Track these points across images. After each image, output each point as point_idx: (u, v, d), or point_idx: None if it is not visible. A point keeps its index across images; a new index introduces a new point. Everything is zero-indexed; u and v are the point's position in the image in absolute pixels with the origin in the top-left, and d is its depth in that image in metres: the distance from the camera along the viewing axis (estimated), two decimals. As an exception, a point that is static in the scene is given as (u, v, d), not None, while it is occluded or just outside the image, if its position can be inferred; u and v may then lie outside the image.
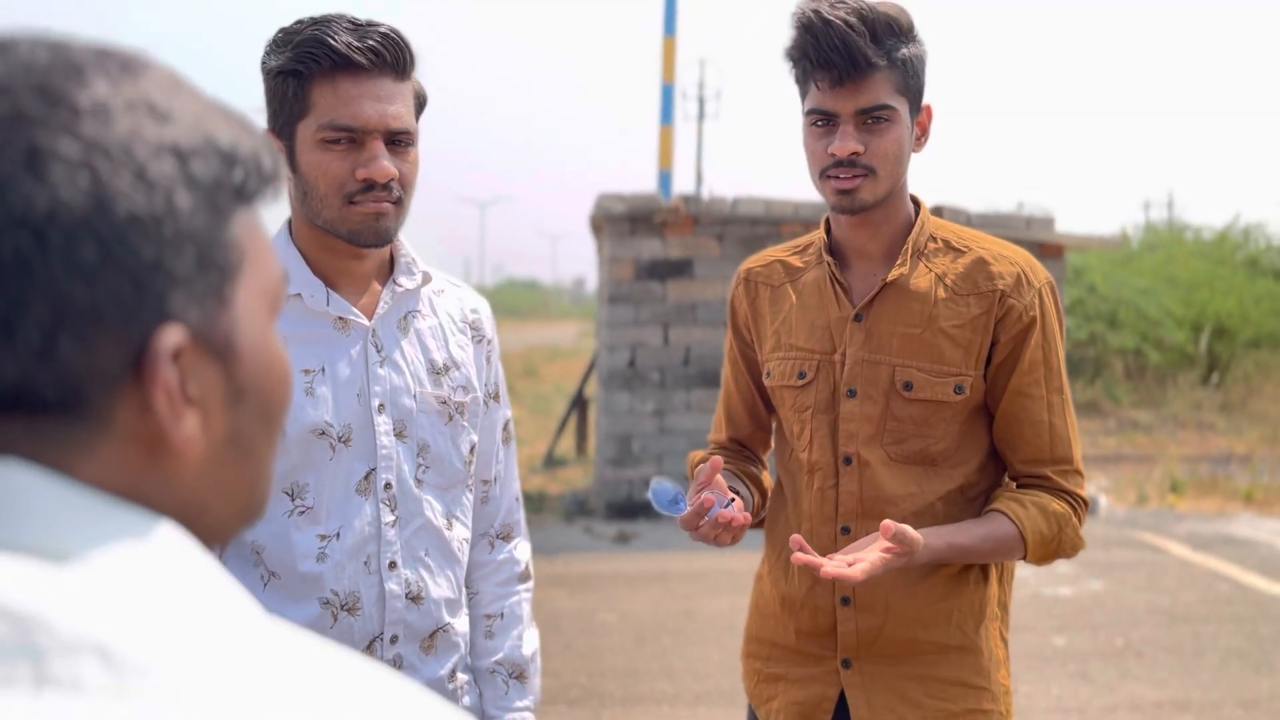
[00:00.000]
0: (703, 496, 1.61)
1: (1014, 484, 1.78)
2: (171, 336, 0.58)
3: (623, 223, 8.23)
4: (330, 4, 1.64)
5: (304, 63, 1.48)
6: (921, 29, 1.72)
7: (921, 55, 1.70)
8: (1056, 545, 1.70)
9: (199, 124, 0.61)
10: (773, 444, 2.02)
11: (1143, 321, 16.25)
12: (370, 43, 1.49)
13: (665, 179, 11.29)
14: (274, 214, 1.67)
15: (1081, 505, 1.73)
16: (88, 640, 0.51)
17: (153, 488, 0.60)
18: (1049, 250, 8.56)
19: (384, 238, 1.55)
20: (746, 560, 6.19)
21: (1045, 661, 5.20)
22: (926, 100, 1.73)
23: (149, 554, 0.57)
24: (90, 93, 0.57)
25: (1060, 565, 7.04)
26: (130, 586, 0.54)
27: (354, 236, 1.54)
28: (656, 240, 8.21)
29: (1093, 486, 9.89)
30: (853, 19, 1.63)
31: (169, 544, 0.58)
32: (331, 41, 1.48)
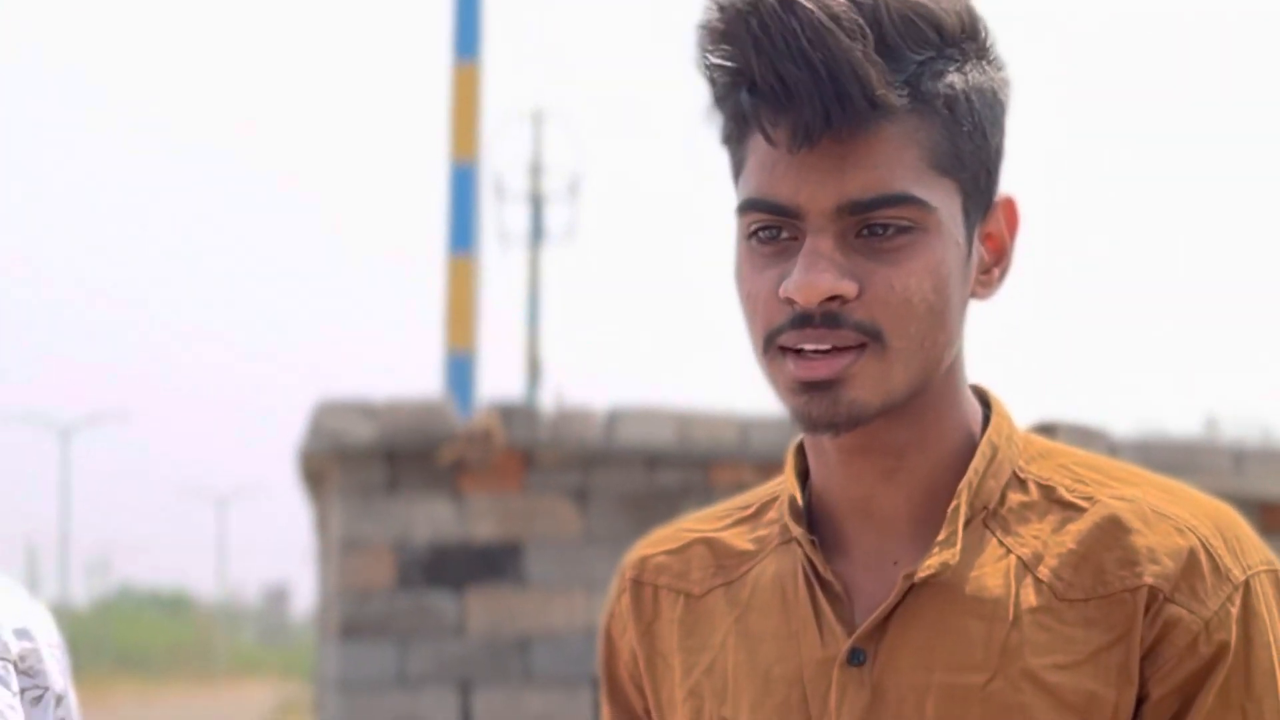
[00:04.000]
0: None
1: None
2: None
3: (372, 465, 8.31)
4: None
5: None
6: (1002, 44, 1.73)
7: (993, 90, 1.71)
8: None
9: None
10: None
11: None
12: None
13: (461, 371, 11.44)
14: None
15: None
16: None
17: None
18: (1275, 515, 8.81)
19: None
20: None
21: None
22: (1006, 190, 1.76)
23: None
24: None
25: None
26: None
27: None
28: (445, 502, 8.30)
29: None
30: (838, 4, 1.58)
31: None
32: None
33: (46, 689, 1.81)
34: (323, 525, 9.07)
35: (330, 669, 8.70)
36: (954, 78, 1.65)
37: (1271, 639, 1.69)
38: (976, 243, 1.72)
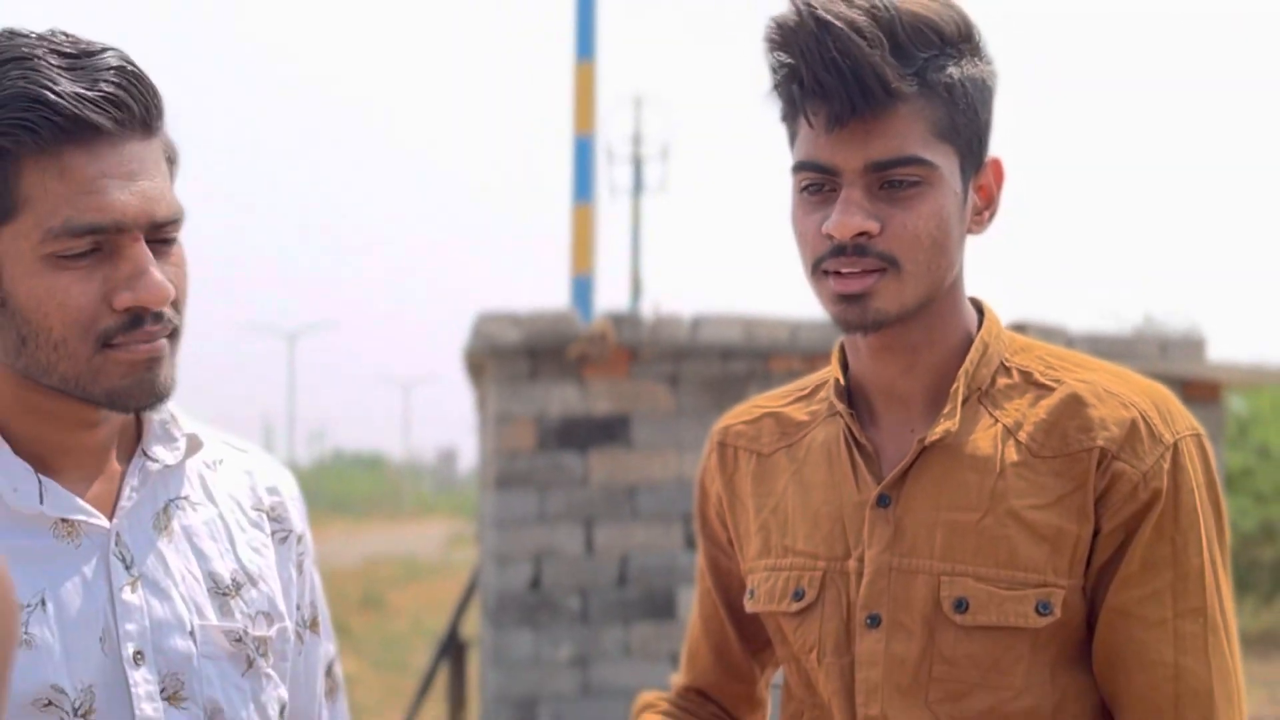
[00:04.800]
0: None
1: None
2: None
3: (517, 360, 8.31)
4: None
5: (16, 132, 1.48)
6: (990, 40, 1.74)
7: (982, 79, 1.73)
8: None
9: None
10: (770, 701, 2.06)
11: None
12: (106, 88, 1.51)
13: (584, 288, 11.40)
14: None
15: None
16: None
17: None
18: (1196, 391, 8.69)
19: (162, 394, 1.58)
20: None
21: None
22: (994, 153, 1.78)
23: None
24: None
25: None
26: None
27: (117, 398, 1.56)
28: (572, 386, 8.30)
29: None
30: (862, 19, 1.63)
31: None
32: (51, 95, 1.48)
33: (290, 531, 1.79)
34: (481, 404, 9.07)
35: (488, 511, 8.70)
36: (952, 70, 1.69)
37: (1194, 486, 1.70)
38: (971, 192, 1.76)
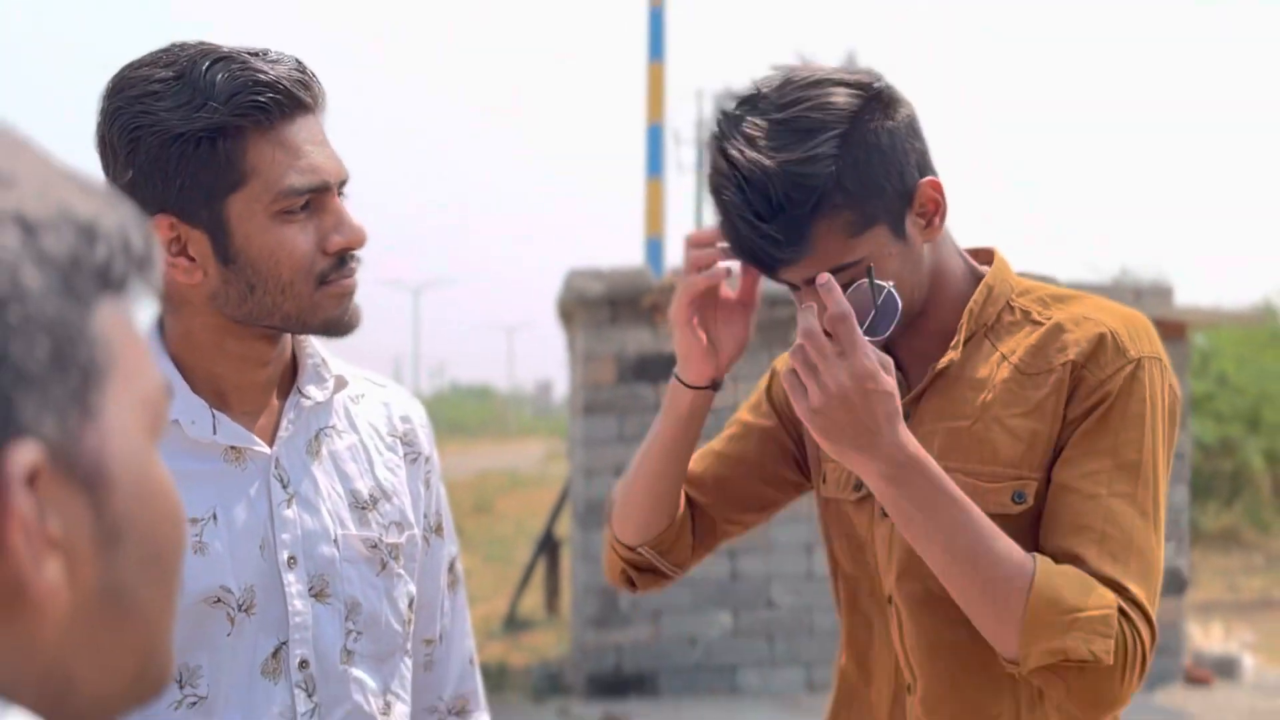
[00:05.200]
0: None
1: None
2: (25, 454, 0.57)
3: (601, 308, 8.32)
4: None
5: (245, 114, 1.49)
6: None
7: (885, 146, 1.68)
8: (1068, 625, 1.56)
9: (48, 191, 0.61)
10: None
11: (1294, 421, 16.21)
12: (297, 75, 1.53)
13: (655, 249, 11.42)
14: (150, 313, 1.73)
15: (1134, 639, 1.60)
16: None
17: (5, 656, 0.59)
18: (1164, 330, 8.53)
19: (357, 322, 1.62)
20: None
21: None
22: (926, 175, 1.72)
23: None
24: None
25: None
26: None
27: (332, 326, 1.59)
28: (645, 330, 8.30)
29: (1234, 643, 9.87)
30: (739, 200, 1.64)
31: None
32: (271, 79, 1.50)
33: (419, 453, 1.80)
34: (571, 345, 9.09)
35: (576, 433, 8.74)
36: (848, 180, 1.65)
37: (1146, 397, 1.69)
38: (909, 225, 1.73)
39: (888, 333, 1.64)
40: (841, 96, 1.66)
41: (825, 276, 1.57)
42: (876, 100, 1.68)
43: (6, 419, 0.57)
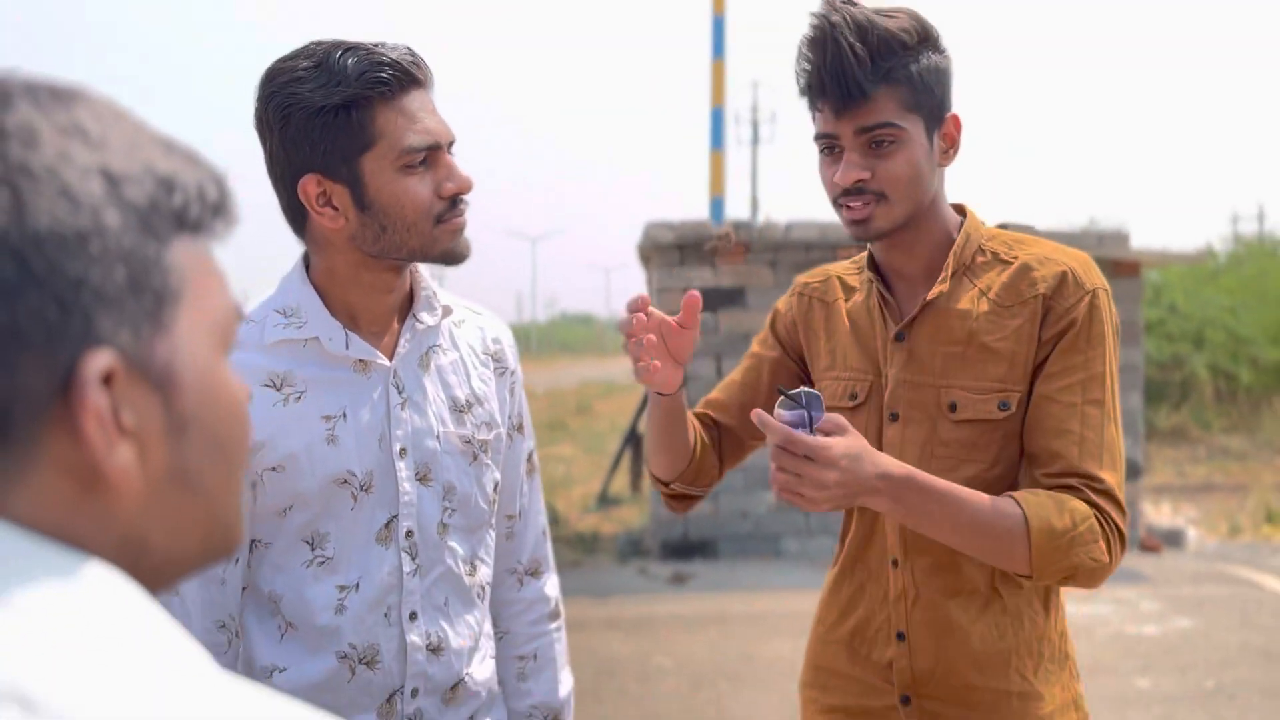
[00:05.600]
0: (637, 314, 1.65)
1: None
2: (101, 359, 0.57)
3: (671, 252, 8.28)
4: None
5: (372, 88, 1.49)
6: (947, 35, 1.69)
7: (938, 66, 1.67)
8: (1068, 546, 1.55)
9: (134, 151, 0.61)
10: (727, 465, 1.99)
11: (1232, 341, 15.96)
12: (409, 57, 1.54)
13: (718, 205, 11.34)
14: (286, 253, 1.70)
15: (1111, 526, 1.59)
16: (8, 689, 0.50)
17: (86, 524, 0.59)
18: (1123, 269, 8.46)
19: (468, 252, 1.60)
20: (808, 601, 6.15)
21: (1128, 705, 5.11)
22: (954, 110, 1.70)
23: (77, 596, 0.55)
24: (16, 117, 0.58)
25: (1145, 601, 6.93)
26: (56, 631, 0.53)
27: (448, 256, 1.58)
28: (707, 269, 8.25)
29: (1181, 518, 9.72)
30: (853, 40, 1.61)
31: (100, 585, 0.57)
32: (391, 59, 1.50)
33: (506, 368, 1.78)
34: (649, 281, 9.05)
35: (654, 350, 8.76)
36: (913, 66, 1.64)
37: (1102, 320, 1.66)
38: (936, 140, 1.70)
39: (824, 415, 1.51)
40: (919, 18, 1.68)
41: (758, 414, 1.48)
42: (937, 35, 1.70)
43: (86, 331, 0.57)
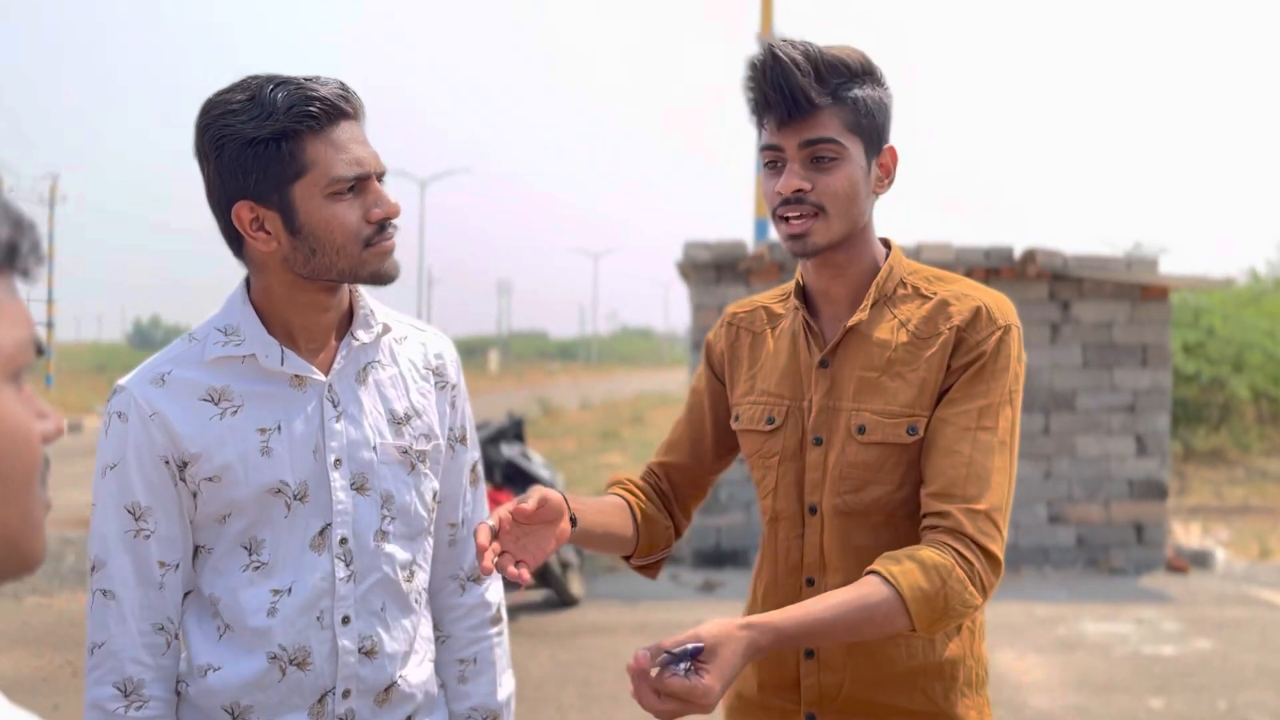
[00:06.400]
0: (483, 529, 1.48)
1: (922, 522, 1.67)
2: None
3: (708, 270, 8.27)
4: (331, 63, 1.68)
5: (300, 121, 1.52)
6: (888, 73, 1.70)
7: (878, 98, 1.67)
8: (944, 603, 1.54)
9: None
10: (707, 495, 1.99)
11: (1271, 364, 15.61)
12: (339, 90, 1.57)
13: (761, 227, 11.33)
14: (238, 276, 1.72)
15: (978, 556, 1.57)
16: None
17: None
18: (1151, 293, 8.29)
19: (396, 273, 1.63)
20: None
21: (1136, 724, 5.01)
22: (891, 143, 1.70)
23: None
24: None
25: (1167, 621, 6.79)
26: None
27: (377, 277, 1.60)
28: (741, 287, 8.23)
29: (1211, 540, 9.51)
30: (797, 57, 1.61)
31: None
32: (320, 94, 1.53)
33: (447, 382, 1.80)
34: (690, 298, 9.07)
35: (692, 364, 8.75)
36: (857, 90, 1.65)
37: (1009, 356, 1.66)
38: (874, 166, 1.69)
39: (699, 652, 1.41)
40: (862, 53, 1.69)
41: (635, 666, 1.41)
42: (880, 71, 1.71)
43: None
